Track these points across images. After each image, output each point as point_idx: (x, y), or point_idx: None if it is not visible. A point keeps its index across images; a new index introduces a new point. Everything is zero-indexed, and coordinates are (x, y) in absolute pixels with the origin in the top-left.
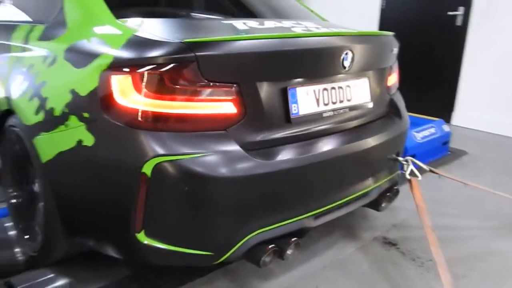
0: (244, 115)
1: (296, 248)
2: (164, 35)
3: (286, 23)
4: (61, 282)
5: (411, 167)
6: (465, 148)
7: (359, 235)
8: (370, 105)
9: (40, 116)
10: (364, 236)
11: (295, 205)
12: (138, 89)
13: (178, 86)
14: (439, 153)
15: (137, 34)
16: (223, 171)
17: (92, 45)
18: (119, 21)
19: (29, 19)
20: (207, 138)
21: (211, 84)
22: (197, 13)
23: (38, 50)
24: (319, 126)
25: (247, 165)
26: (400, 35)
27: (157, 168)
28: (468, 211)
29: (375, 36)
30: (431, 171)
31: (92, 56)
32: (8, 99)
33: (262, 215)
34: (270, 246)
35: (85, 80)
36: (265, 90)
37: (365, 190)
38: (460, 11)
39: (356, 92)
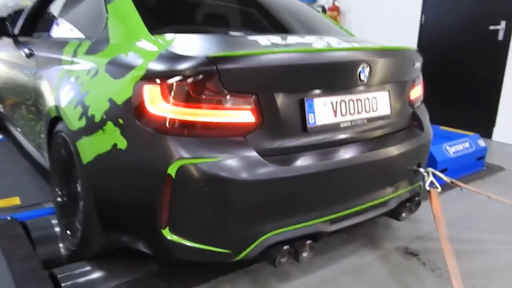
0: (261, 123)
1: (311, 250)
2: (191, 50)
3: (309, 39)
4: (96, 274)
5: (431, 178)
6: (503, 164)
7: (380, 244)
8: (390, 117)
9: (83, 122)
10: (385, 246)
11: (309, 210)
12: (166, 99)
13: (201, 96)
14: (474, 168)
15: (168, 49)
16: (240, 174)
17: (128, 58)
18: (154, 37)
19: (78, 36)
20: (226, 144)
21: (231, 94)
22: (228, 29)
23: (83, 63)
24: (336, 136)
25: (263, 170)
26: (440, 50)
27: (180, 170)
28: (496, 225)
29: (394, 51)
30: (452, 182)
31: (128, 68)
32: (57, 107)
33: (276, 217)
34: (285, 247)
35: (121, 90)
36: (282, 100)
37: (383, 199)
38: (502, 25)
39: (375, 104)
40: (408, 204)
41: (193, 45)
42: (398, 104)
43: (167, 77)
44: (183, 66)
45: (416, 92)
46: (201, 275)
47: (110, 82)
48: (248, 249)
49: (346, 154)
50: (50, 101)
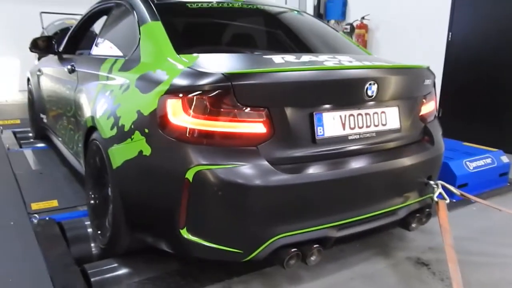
0: (272, 134)
1: (318, 254)
2: (210, 68)
3: (322, 57)
4: (122, 270)
5: (440, 190)
6: None
7: (392, 253)
8: (400, 130)
9: (114, 131)
10: (397, 255)
11: (316, 216)
12: (186, 111)
13: (217, 109)
14: (496, 184)
15: (190, 67)
16: (251, 180)
17: (155, 75)
18: (180, 56)
19: (114, 54)
20: (239, 153)
21: (245, 107)
22: (249, 49)
23: (117, 79)
24: (344, 147)
25: (272, 177)
26: (467, 67)
27: (197, 175)
28: None
29: (402, 69)
30: (462, 195)
31: (155, 84)
32: (93, 118)
33: (285, 221)
34: (292, 250)
35: (148, 103)
36: (292, 114)
37: (391, 208)
38: None
39: (384, 119)
40: (418, 215)
41: (213, 63)
42: (409, 119)
43: (188, 91)
44: (201, 82)
45: (428, 108)
46: (216, 275)
47: (139, 96)
48: (258, 250)
49: (354, 164)
50: (87, 112)
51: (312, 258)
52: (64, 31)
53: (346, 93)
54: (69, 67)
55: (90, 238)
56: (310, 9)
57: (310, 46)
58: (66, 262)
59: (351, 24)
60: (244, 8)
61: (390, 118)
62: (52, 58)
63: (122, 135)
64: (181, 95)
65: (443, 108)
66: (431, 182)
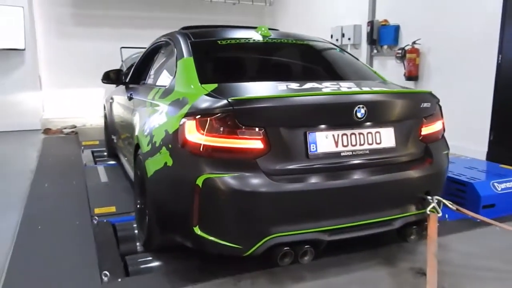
0: (269, 150)
1: (310, 255)
2: (220, 95)
3: (324, 84)
4: (154, 263)
5: (434, 204)
6: None
7: (396, 263)
8: (395, 149)
9: (149, 147)
10: (401, 265)
11: (307, 220)
12: (198, 130)
13: (222, 128)
14: None
15: (206, 94)
16: (249, 187)
17: (181, 101)
18: (202, 86)
19: (159, 84)
20: (241, 164)
21: (244, 127)
22: (263, 78)
23: (157, 104)
24: (336, 163)
25: (267, 185)
26: None
27: (205, 182)
28: None
29: (394, 94)
30: (457, 210)
31: (179, 108)
32: (137, 136)
33: (278, 223)
34: (285, 248)
35: (173, 124)
36: (287, 132)
37: (384, 219)
38: None
39: (379, 138)
40: (415, 227)
41: (225, 91)
42: (406, 139)
43: (200, 114)
44: (210, 106)
45: (429, 129)
46: (228, 270)
47: (168, 118)
48: (255, 247)
49: (345, 177)
50: (136, 132)
51: (306, 258)
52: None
53: (337, 115)
54: (128, 95)
55: (136, 238)
56: (364, 36)
57: (319, 74)
58: (112, 254)
59: (403, 49)
60: (267, 43)
61: (385, 137)
62: (121, 88)
63: (154, 150)
64: (195, 117)
65: (494, 132)
66: (428, 197)
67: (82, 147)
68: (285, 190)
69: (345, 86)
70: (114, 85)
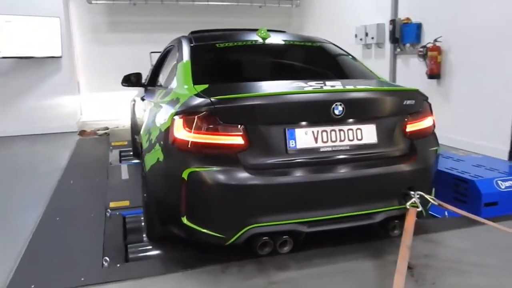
0: (249, 145)
1: (288, 245)
2: (207, 95)
3: (310, 83)
4: (154, 252)
5: (415, 199)
6: None
7: (384, 257)
8: (377, 145)
9: (147, 144)
10: (387, 258)
11: (285, 212)
12: (185, 127)
13: (205, 126)
14: None
15: (195, 94)
16: (229, 180)
17: (175, 101)
18: (194, 86)
19: (164, 85)
20: (222, 159)
21: (225, 124)
22: (254, 78)
23: (158, 105)
24: (316, 158)
25: (246, 179)
26: None
27: (190, 175)
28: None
29: (374, 91)
30: (439, 205)
31: (172, 107)
32: (141, 135)
33: (257, 214)
34: (264, 238)
35: (165, 122)
36: (266, 129)
37: (364, 212)
38: None
39: (360, 134)
40: (397, 221)
41: (212, 91)
42: (389, 135)
43: (186, 113)
44: (195, 105)
45: (415, 126)
46: (218, 258)
47: (163, 117)
48: (236, 236)
49: (324, 171)
50: (141, 131)
51: (285, 248)
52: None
53: (315, 112)
54: (142, 96)
55: (142, 229)
56: (387, 35)
57: (307, 74)
58: (118, 243)
59: (424, 47)
60: (263, 45)
61: (367, 134)
62: (142, 90)
63: (151, 146)
64: (182, 115)
65: None
66: (411, 192)
67: (111, 147)
68: (263, 183)
69: (329, 85)
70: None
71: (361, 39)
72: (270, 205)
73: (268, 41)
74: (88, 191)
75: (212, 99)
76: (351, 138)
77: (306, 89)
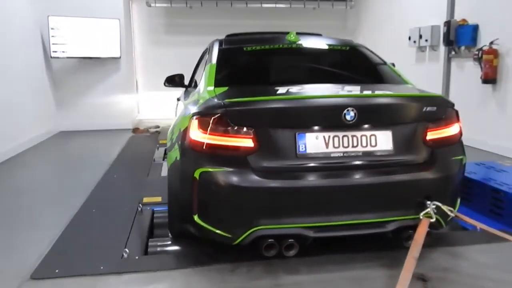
0: (258, 148)
1: (293, 248)
2: (220, 98)
3: (327, 87)
4: (172, 247)
5: (429, 209)
6: None
7: (399, 267)
8: (392, 152)
9: (170, 143)
10: (400, 269)
11: (291, 216)
12: (199, 128)
13: (217, 127)
14: None
15: (213, 96)
16: (237, 182)
17: (196, 102)
18: (214, 89)
19: (194, 87)
20: (232, 160)
21: (236, 127)
22: (274, 82)
23: (186, 105)
24: (326, 163)
25: (254, 181)
26: None
27: (201, 175)
28: None
29: (391, 97)
30: (456, 216)
31: (193, 108)
32: (168, 134)
33: (263, 216)
34: (269, 240)
35: (185, 122)
36: (277, 133)
37: (374, 220)
38: None
39: (374, 141)
40: (411, 231)
41: (229, 94)
42: (407, 142)
43: (201, 115)
44: (209, 107)
45: (437, 134)
46: (228, 257)
47: (184, 117)
48: (243, 237)
49: (334, 177)
50: (169, 130)
51: (291, 251)
52: None
53: (326, 117)
54: (178, 97)
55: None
56: (442, 37)
57: (328, 78)
58: (141, 236)
59: (480, 49)
60: (289, 48)
61: (382, 140)
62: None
63: (172, 145)
64: (197, 116)
65: None
66: (428, 202)
67: (158, 145)
68: (270, 186)
69: (346, 90)
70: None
71: (414, 42)
72: (276, 208)
73: (295, 45)
74: (127, 186)
75: (224, 102)
76: (364, 144)
77: (321, 93)
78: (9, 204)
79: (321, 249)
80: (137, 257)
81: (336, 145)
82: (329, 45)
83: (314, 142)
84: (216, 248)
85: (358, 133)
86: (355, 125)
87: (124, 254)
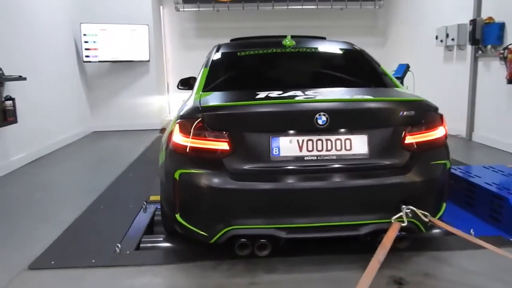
0: (233, 151)
1: (266, 248)
2: (202, 102)
3: (307, 92)
4: (163, 244)
5: (402, 213)
6: None
7: (380, 270)
8: (368, 156)
9: (161, 145)
10: (383, 272)
11: (263, 217)
12: (180, 132)
13: (195, 131)
14: None
15: (197, 100)
16: (212, 183)
17: (184, 106)
18: (201, 93)
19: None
20: (209, 163)
21: (212, 131)
22: (257, 87)
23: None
24: (300, 166)
25: (228, 182)
26: None
27: (180, 176)
28: None
29: (368, 102)
30: (430, 221)
31: (178, 113)
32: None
33: (237, 216)
34: (242, 240)
35: (171, 126)
36: (251, 136)
37: (348, 223)
38: None
39: (349, 145)
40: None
41: (211, 99)
42: (383, 146)
43: (182, 118)
44: (189, 112)
45: (415, 139)
46: (215, 255)
47: (172, 121)
48: (218, 236)
49: (306, 180)
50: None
51: (264, 251)
52: None
53: (299, 122)
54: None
55: None
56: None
57: (311, 82)
58: (138, 232)
59: (506, 48)
60: (282, 53)
61: (357, 144)
62: None
63: (161, 147)
64: (179, 120)
65: None
66: (403, 206)
67: None
68: (244, 188)
69: (323, 94)
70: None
71: (441, 41)
72: (250, 209)
73: (289, 49)
74: (139, 184)
75: (201, 106)
76: (338, 148)
77: (299, 98)
78: (28, 198)
79: (304, 251)
80: (128, 252)
81: (310, 148)
82: (323, 49)
83: (287, 146)
84: (205, 246)
85: (333, 137)
86: (329, 129)
87: (117, 249)
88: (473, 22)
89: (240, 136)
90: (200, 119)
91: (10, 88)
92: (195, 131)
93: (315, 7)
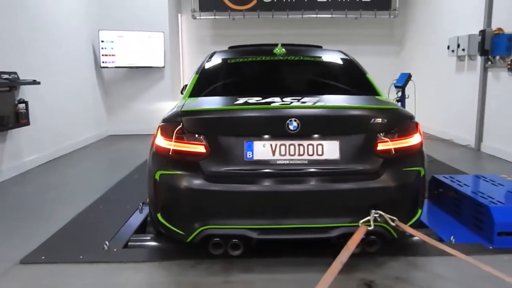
0: (209, 154)
1: (238, 248)
2: (183, 107)
3: (285, 99)
4: (150, 243)
5: (370, 217)
6: None
7: (351, 272)
8: (339, 161)
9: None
10: (354, 275)
11: (236, 217)
12: (161, 135)
13: (174, 134)
14: None
15: (181, 105)
16: (188, 184)
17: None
18: (187, 99)
19: None
20: (186, 165)
21: (190, 134)
22: (239, 93)
23: None
24: (272, 169)
25: (203, 184)
26: None
27: (160, 177)
28: None
29: (340, 109)
30: (396, 225)
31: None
32: None
33: (211, 216)
34: (215, 239)
35: (156, 129)
36: (226, 140)
37: (318, 225)
38: None
39: (321, 150)
40: (373, 237)
41: (193, 104)
42: (355, 152)
43: (164, 122)
44: (170, 116)
45: (387, 145)
46: (192, 255)
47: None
48: (193, 235)
49: (278, 183)
50: None
51: (237, 251)
52: None
53: (271, 127)
54: None
55: None
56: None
57: (292, 89)
58: (128, 231)
59: None
60: (270, 61)
61: (328, 150)
62: None
63: (149, 150)
64: (160, 124)
65: None
66: (373, 211)
67: None
68: (217, 189)
69: (301, 101)
70: None
71: (453, 51)
72: (223, 210)
73: (278, 57)
74: (141, 186)
75: (180, 111)
76: (310, 153)
77: (273, 105)
78: (35, 198)
79: (282, 253)
80: (115, 250)
81: (283, 153)
82: (312, 57)
83: (261, 150)
84: (187, 245)
85: (305, 142)
86: (301, 135)
87: (105, 246)
88: (482, 32)
89: (216, 139)
90: (179, 123)
91: (26, 92)
92: (175, 134)
93: (330, 16)
